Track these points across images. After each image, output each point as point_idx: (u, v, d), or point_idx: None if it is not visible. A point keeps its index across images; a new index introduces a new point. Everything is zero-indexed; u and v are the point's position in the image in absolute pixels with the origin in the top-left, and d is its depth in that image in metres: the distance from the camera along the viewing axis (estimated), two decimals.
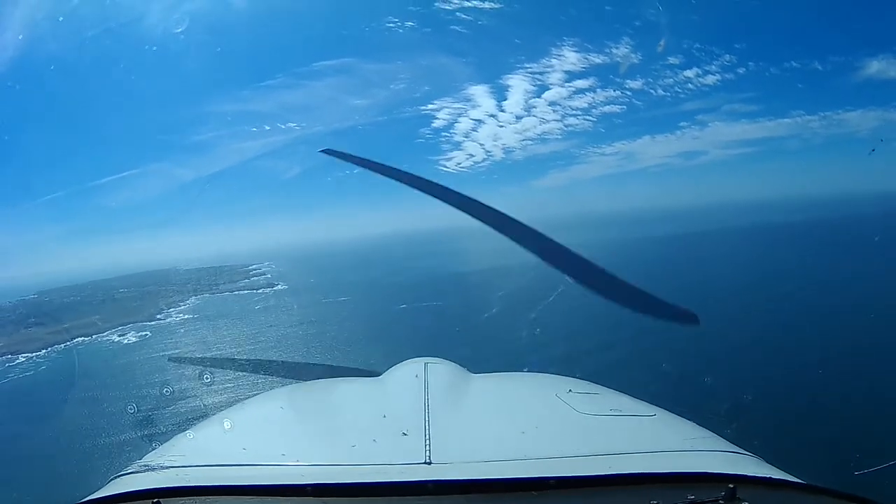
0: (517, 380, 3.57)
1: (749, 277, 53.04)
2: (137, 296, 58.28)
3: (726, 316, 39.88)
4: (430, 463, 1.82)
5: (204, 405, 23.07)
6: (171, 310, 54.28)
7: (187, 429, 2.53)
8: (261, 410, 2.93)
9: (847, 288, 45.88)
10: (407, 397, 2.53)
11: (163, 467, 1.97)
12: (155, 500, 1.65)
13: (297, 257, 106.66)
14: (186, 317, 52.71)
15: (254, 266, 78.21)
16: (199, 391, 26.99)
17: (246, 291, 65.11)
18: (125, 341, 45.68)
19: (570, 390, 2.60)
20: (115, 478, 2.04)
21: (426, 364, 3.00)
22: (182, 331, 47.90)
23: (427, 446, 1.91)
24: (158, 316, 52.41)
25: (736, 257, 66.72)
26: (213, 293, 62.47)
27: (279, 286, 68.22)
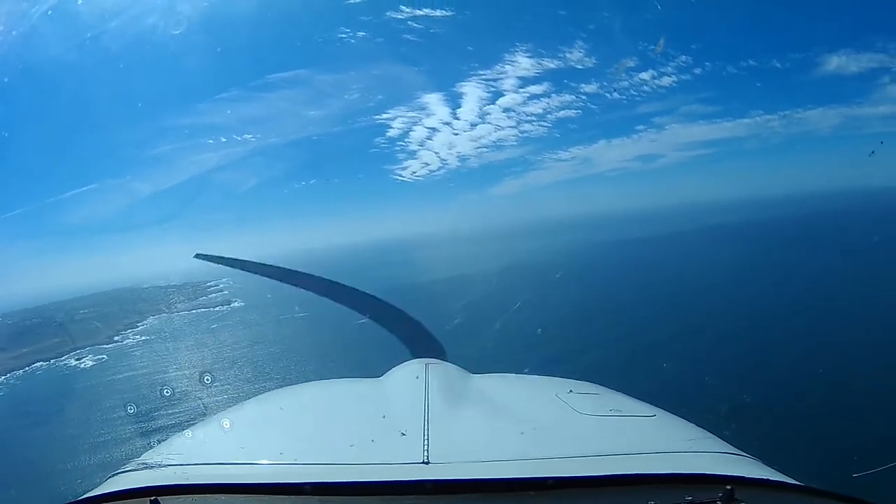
0: (517, 381, 3.56)
1: (713, 279, 55.27)
2: (96, 317, 60.17)
3: (692, 317, 41.41)
4: (428, 463, 1.81)
5: (158, 428, 25.48)
6: (129, 331, 56.08)
7: (185, 428, 2.52)
8: (260, 410, 2.93)
9: (814, 284, 47.92)
10: (407, 398, 2.56)
11: (160, 465, 1.97)
12: (152, 499, 1.65)
13: None
14: (143, 338, 54.22)
15: (211, 282, 78.16)
16: (153, 419, 29.61)
17: (203, 310, 66.15)
18: (82, 365, 47.47)
19: (570, 391, 2.60)
20: (113, 475, 2.02)
21: (426, 365, 3.06)
22: (138, 353, 49.50)
23: (426, 446, 1.91)
24: (116, 338, 54.16)
25: (699, 259, 68.49)
26: (171, 312, 64.23)
27: (236, 303, 69.48)
